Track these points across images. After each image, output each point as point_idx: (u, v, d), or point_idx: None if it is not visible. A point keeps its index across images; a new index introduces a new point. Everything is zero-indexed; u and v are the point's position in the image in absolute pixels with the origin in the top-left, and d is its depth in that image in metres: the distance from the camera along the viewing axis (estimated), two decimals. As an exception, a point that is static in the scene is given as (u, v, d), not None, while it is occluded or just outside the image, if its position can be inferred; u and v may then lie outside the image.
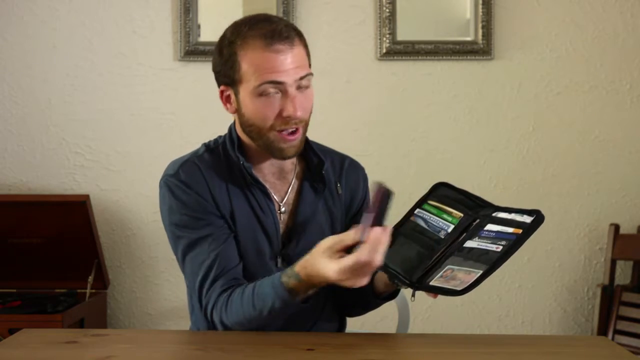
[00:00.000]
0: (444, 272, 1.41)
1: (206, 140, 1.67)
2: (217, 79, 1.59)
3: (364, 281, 1.36)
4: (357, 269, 1.33)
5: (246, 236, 1.57)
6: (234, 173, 1.58)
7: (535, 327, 3.01)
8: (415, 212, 1.50)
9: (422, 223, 1.48)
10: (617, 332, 2.81)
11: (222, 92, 1.58)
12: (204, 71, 2.94)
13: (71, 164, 2.99)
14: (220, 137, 1.65)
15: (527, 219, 1.42)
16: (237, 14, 2.94)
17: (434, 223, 1.47)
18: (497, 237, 1.41)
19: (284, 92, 1.50)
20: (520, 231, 1.41)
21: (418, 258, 1.44)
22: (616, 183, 2.98)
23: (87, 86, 2.98)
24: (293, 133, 1.53)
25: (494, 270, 1.40)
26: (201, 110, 2.94)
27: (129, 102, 2.98)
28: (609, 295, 2.87)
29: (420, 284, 1.42)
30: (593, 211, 2.99)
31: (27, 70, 2.98)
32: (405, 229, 1.49)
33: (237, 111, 1.56)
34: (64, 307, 2.63)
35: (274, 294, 1.44)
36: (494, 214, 1.42)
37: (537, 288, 3.01)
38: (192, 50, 2.94)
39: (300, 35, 1.54)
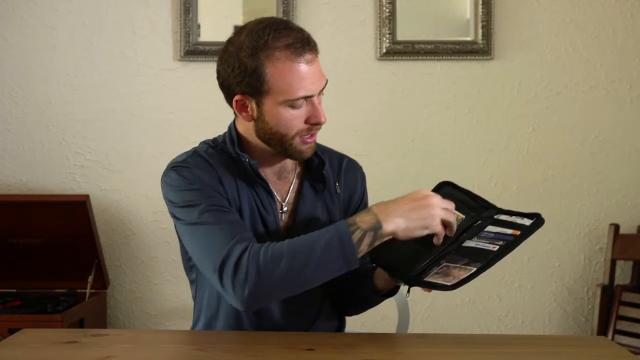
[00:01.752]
0: (440, 268, 1.43)
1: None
2: (230, 89, 1.54)
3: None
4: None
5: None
6: (239, 169, 1.58)
7: (535, 327, 3.01)
8: None
9: None
10: (617, 332, 2.81)
11: (237, 102, 1.53)
12: (204, 71, 2.95)
13: (71, 164, 2.99)
14: (220, 136, 1.65)
15: (527, 222, 1.43)
16: (237, 14, 2.97)
17: None
18: (496, 237, 1.42)
19: (310, 101, 1.51)
20: (518, 233, 1.42)
21: (417, 256, 1.44)
22: (616, 183, 2.98)
23: (87, 86, 2.98)
24: (312, 135, 1.55)
25: (487, 269, 1.41)
26: (201, 110, 2.94)
27: (129, 102, 2.98)
28: (609, 295, 2.87)
29: (416, 280, 1.44)
30: (593, 211, 2.99)
31: (27, 70, 2.98)
32: None
33: (256, 119, 1.53)
34: (64, 307, 2.63)
35: (333, 229, 1.40)
36: (495, 216, 1.42)
37: (537, 288, 3.01)
38: (192, 50, 2.94)
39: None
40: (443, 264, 1.42)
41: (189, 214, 1.49)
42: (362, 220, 1.40)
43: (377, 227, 1.39)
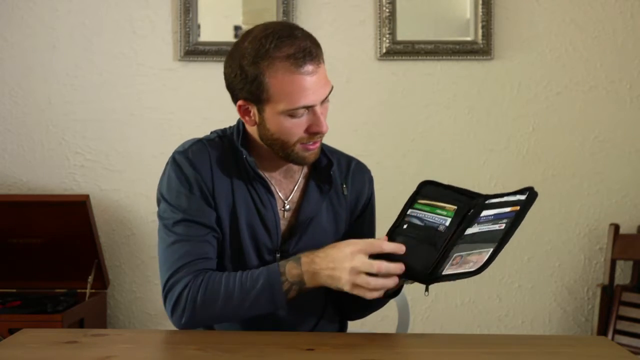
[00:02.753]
0: (453, 260, 1.42)
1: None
2: (234, 93, 1.56)
3: (373, 293, 1.42)
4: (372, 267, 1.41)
5: (246, 228, 1.58)
6: (239, 165, 1.59)
7: (535, 327, 3.01)
8: (408, 212, 1.49)
9: (417, 222, 1.47)
10: (617, 332, 2.81)
11: (240, 106, 1.56)
12: (204, 71, 2.95)
13: (71, 164, 2.99)
14: (230, 127, 1.66)
15: (521, 197, 1.44)
16: (237, 14, 2.97)
17: (430, 219, 1.46)
18: (497, 218, 1.43)
19: (312, 110, 1.51)
20: (517, 208, 1.43)
21: (424, 254, 1.44)
22: (616, 183, 2.98)
23: (87, 86, 2.98)
24: (315, 142, 1.55)
25: (503, 246, 1.45)
26: (201, 110, 2.94)
27: (129, 102, 2.98)
28: (609, 295, 2.87)
29: (433, 277, 1.44)
30: (593, 211, 2.99)
31: (27, 70, 2.98)
32: (401, 230, 1.48)
33: (259, 125, 1.55)
34: (64, 307, 2.63)
35: (265, 276, 1.48)
36: (486, 202, 1.42)
37: (537, 288, 3.01)
38: (192, 50, 2.94)
39: (319, 47, 1.53)
40: (455, 255, 1.42)
41: (168, 214, 1.56)
42: (291, 273, 1.48)
43: (301, 284, 1.48)
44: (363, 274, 1.41)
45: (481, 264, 1.45)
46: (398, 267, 1.41)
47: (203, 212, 1.55)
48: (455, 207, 1.44)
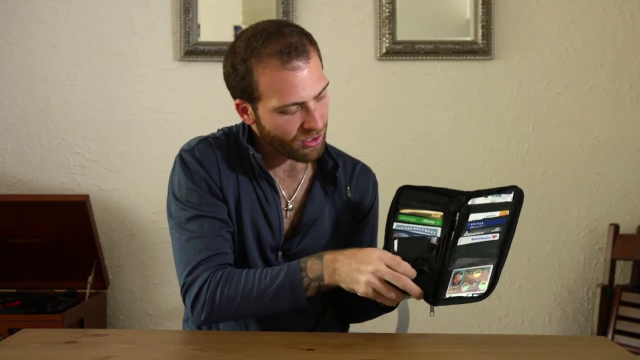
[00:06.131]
0: (453, 278, 1.40)
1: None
2: (230, 90, 1.57)
3: (392, 295, 1.42)
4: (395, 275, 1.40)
5: (249, 224, 1.59)
6: (244, 162, 1.60)
7: (535, 327, 3.01)
8: (394, 227, 1.45)
9: (407, 236, 1.43)
10: (616, 332, 2.81)
11: (238, 105, 1.57)
12: (204, 71, 2.95)
13: (71, 164, 2.99)
14: (236, 125, 1.66)
15: (508, 198, 1.40)
16: (237, 14, 2.97)
17: (419, 232, 1.42)
18: (487, 225, 1.39)
19: (305, 106, 1.50)
20: (507, 212, 1.40)
21: (425, 277, 1.41)
22: (616, 183, 2.99)
23: (87, 86, 2.98)
24: (315, 139, 1.54)
25: (504, 259, 1.42)
26: (201, 110, 2.94)
27: (129, 102, 2.98)
28: (609, 295, 2.87)
29: (437, 298, 1.42)
30: (593, 211, 2.99)
31: (27, 70, 2.98)
32: (394, 252, 1.44)
33: (256, 123, 1.56)
34: (63, 307, 2.63)
35: (286, 271, 1.47)
36: (470, 202, 1.39)
37: (537, 288, 3.01)
38: (192, 50, 2.94)
39: (312, 42, 1.52)
40: (454, 272, 1.39)
41: (179, 213, 1.56)
42: (311, 268, 1.47)
43: (320, 279, 1.47)
44: (382, 280, 1.40)
45: (486, 281, 1.41)
46: (417, 290, 1.41)
47: (214, 207, 1.55)
48: (442, 214, 1.40)
